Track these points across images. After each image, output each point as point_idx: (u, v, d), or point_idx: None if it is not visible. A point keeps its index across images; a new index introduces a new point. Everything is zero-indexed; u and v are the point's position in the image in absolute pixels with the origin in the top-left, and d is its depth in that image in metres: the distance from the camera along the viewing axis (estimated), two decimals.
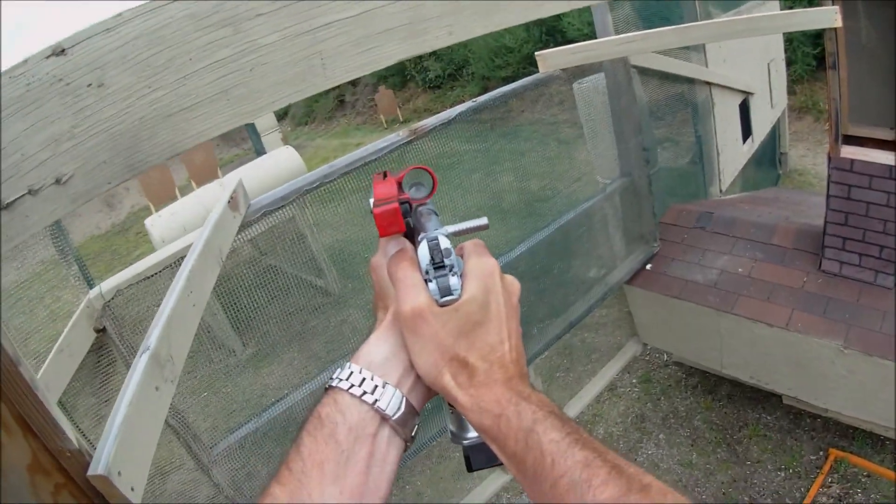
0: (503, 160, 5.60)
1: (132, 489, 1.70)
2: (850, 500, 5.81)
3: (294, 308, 4.60)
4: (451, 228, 0.98)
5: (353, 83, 25.15)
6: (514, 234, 5.21)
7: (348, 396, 0.86)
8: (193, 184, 14.28)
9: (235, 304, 3.98)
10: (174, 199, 12.64)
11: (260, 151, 11.73)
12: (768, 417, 6.78)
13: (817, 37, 12.13)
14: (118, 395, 1.89)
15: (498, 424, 0.81)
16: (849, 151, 4.90)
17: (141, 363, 1.95)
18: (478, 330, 0.88)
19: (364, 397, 0.85)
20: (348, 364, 0.90)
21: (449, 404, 0.92)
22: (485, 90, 5.10)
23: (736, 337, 5.53)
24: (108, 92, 1.48)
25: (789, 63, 11.87)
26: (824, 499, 5.87)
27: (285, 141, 12.21)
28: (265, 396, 4.24)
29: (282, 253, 5.06)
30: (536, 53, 4.61)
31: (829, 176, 5.01)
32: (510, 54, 18.02)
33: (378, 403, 0.86)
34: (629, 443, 7.16)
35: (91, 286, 3.34)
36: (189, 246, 2.72)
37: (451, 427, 0.97)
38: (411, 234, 1.02)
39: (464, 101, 4.46)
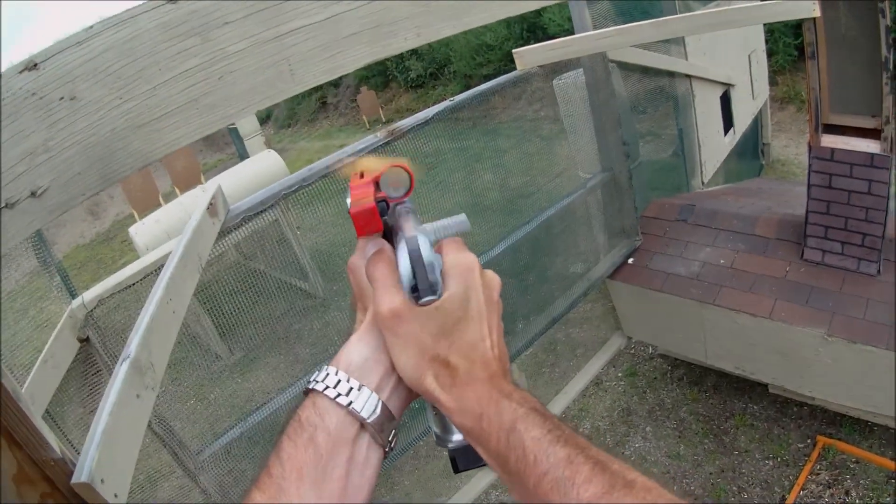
0: (485, 158, 5.61)
1: (115, 496, 1.71)
2: (840, 487, 5.84)
3: (279, 312, 4.60)
4: (430, 227, 0.97)
5: (335, 84, 25.14)
6: (495, 232, 5.21)
7: (326, 399, 0.85)
8: (177, 190, 14.26)
9: (220, 309, 3.97)
10: (158, 206, 12.60)
11: (243, 155, 11.76)
12: (755, 407, 6.81)
13: (798, 27, 12.15)
14: None
15: (480, 424, 0.80)
16: (829, 140, 4.93)
17: (121, 371, 1.96)
18: (458, 328, 0.87)
19: (339, 399, 0.84)
20: (326, 366, 0.88)
21: (432, 406, 0.91)
22: (467, 88, 5.10)
23: (720, 328, 5.55)
24: (81, 104, 1.50)
25: (770, 54, 11.89)
26: (813, 486, 5.90)
27: (268, 144, 12.23)
28: (251, 401, 4.24)
29: (265, 257, 5.06)
30: (514, 51, 4.61)
31: (809, 165, 5.03)
32: (491, 52, 18.05)
33: (353, 405, 0.84)
34: (616, 436, 7.19)
35: (74, 296, 3.34)
36: (169, 254, 2.72)
37: (436, 429, 0.96)
38: (390, 234, 1.01)
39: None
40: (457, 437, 0.91)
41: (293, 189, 3.62)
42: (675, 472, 6.56)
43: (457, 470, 0.94)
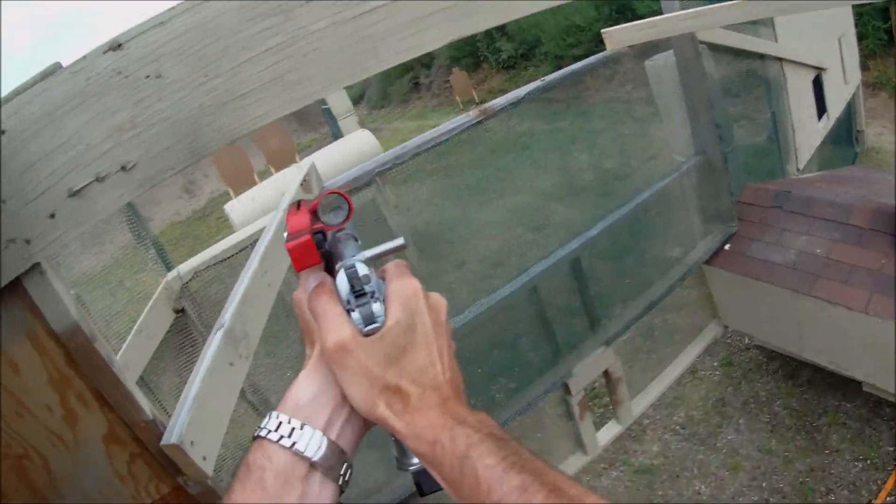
0: (578, 139, 5.58)
1: (204, 458, 1.76)
2: None
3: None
4: (369, 253, 0.95)
5: (427, 65, 25.19)
6: (591, 213, 5.17)
7: (270, 443, 0.85)
8: (271, 169, 14.45)
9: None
10: (253, 184, 12.77)
11: (337, 135, 11.83)
12: (848, 405, 6.66)
13: (885, 10, 11.75)
14: None
15: (434, 450, 0.79)
16: None
17: (215, 339, 2.02)
18: (406, 354, 0.87)
19: (282, 441, 0.84)
20: (272, 412, 0.88)
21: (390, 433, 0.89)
22: (558, 69, 5.08)
23: (815, 320, 5.40)
24: (166, 82, 1.55)
25: (860, 37, 11.24)
26: None
27: (362, 124, 12.29)
28: None
29: (360, 235, 5.11)
30: (602, 31, 4.60)
31: None
32: (581, 33, 17.89)
33: (296, 446, 0.84)
34: (709, 427, 7.11)
35: (169, 269, 3.43)
36: (264, 228, 2.78)
37: (395, 454, 0.95)
38: (332, 263, 0.98)
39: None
40: (416, 460, 0.91)
41: (387, 166, 3.65)
42: (766, 467, 6.46)
43: (422, 494, 0.93)
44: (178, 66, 1.54)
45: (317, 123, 22.28)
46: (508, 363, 5.16)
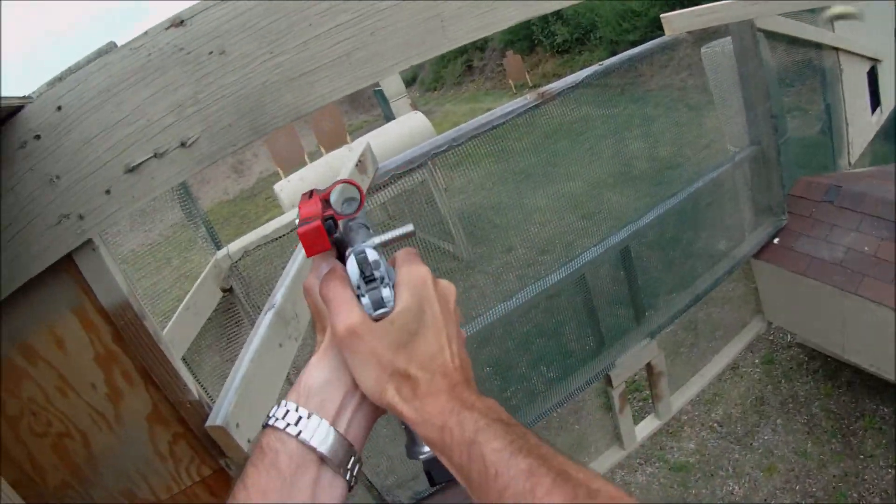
0: (633, 126, 5.53)
1: (249, 441, 1.75)
2: None
3: None
4: (378, 239, 0.95)
5: (481, 48, 25.16)
6: (643, 202, 5.15)
7: (280, 430, 0.85)
8: (322, 150, 14.49)
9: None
10: (303, 164, 12.82)
11: (389, 117, 11.84)
12: (885, 409, 6.54)
13: None
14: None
15: (442, 436, 0.80)
16: None
17: (266, 319, 2.02)
18: (416, 340, 0.87)
19: (288, 430, 0.85)
20: (283, 400, 0.89)
21: (400, 420, 0.89)
22: (613, 54, 5.06)
23: (859, 320, 5.28)
24: (230, 59, 1.54)
25: None
26: None
27: (414, 107, 12.29)
28: None
29: (411, 217, 5.09)
30: (662, 16, 4.55)
31: None
32: (637, 18, 17.71)
33: (302, 435, 0.85)
34: (746, 426, 7.04)
35: (218, 248, 3.44)
36: None
37: (406, 443, 0.96)
38: (342, 252, 1.00)
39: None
40: (427, 449, 0.91)
41: (443, 149, 3.63)
42: (800, 470, 6.39)
43: (433, 483, 0.94)
44: (242, 43, 1.53)
45: (369, 105, 22.40)
46: (552, 352, 5.14)
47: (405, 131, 9.73)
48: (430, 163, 3.68)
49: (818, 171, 6.56)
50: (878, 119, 7.75)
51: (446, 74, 26.68)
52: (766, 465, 6.61)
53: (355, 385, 0.89)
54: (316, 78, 1.63)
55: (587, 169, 4.93)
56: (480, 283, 5.14)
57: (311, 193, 1.03)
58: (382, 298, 0.88)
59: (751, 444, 6.84)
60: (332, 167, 9.21)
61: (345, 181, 0.99)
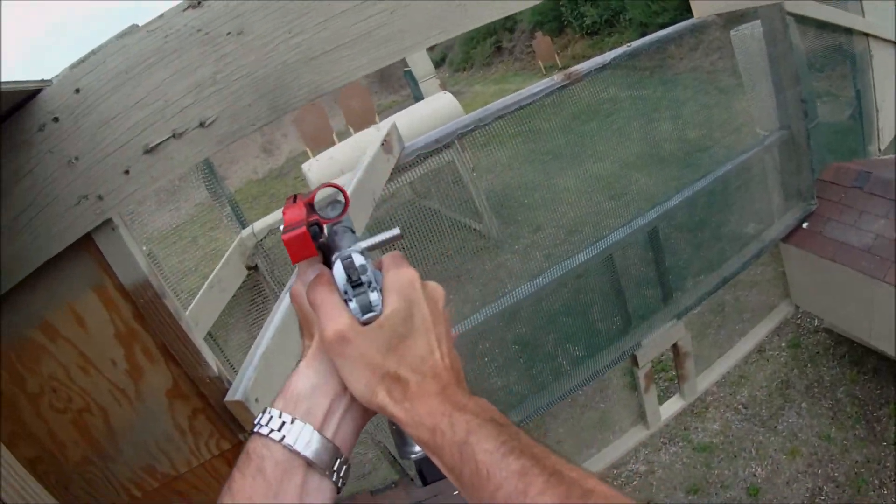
0: (662, 108, 5.52)
1: None
2: None
3: (451, 251, 4.65)
4: (365, 243, 0.94)
5: (510, 30, 25.06)
6: (671, 184, 5.14)
7: (264, 437, 0.85)
8: (351, 129, 14.47)
9: (391, 246, 4.07)
10: (332, 144, 12.82)
11: (418, 97, 11.82)
12: None
13: None
14: None
15: (433, 438, 0.80)
16: None
17: (286, 298, 2.02)
18: (405, 342, 0.87)
19: (272, 435, 0.85)
20: (267, 407, 0.88)
21: (389, 422, 0.90)
22: (642, 36, 5.05)
23: (887, 307, 5.24)
24: (248, 39, 1.55)
25: None
26: None
27: (443, 87, 12.26)
28: None
29: (439, 196, 5.09)
30: None
31: None
32: (667, 0, 17.57)
33: (286, 440, 0.84)
34: (771, 409, 7.02)
35: (244, 226, 3.46)
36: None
37: (396, 442, 0.97)
38: (328, 257, 0.98)
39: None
40: (418, 448, 0.91)
41: (469, 129, 3.63)
42: (823, 455, 6.37)
43: (425, 482, 0.94)
44: (261, 23, 1.54)
45: (398, 85, 22.37)
46: (578, 331, 5.15)
47: (434, 111, 9.71)
48: (457, 142, 3.69)
49: (848, 157, 6.52)
50: None
51: (475, 55, 26.60)
52: (789, 448, 6.60)
53: (344, 389, 0.89)
54: (336, 57, 1.63)
55: (615, 150, 4.94)
56: (509, 262, 5.15)
57: (294, 198, 1.01)
58: (370, 303, 0.88)
59: (775, 426, 6.83)
60: (359, 147, 9.19)
61: (329, 185, 1.01)
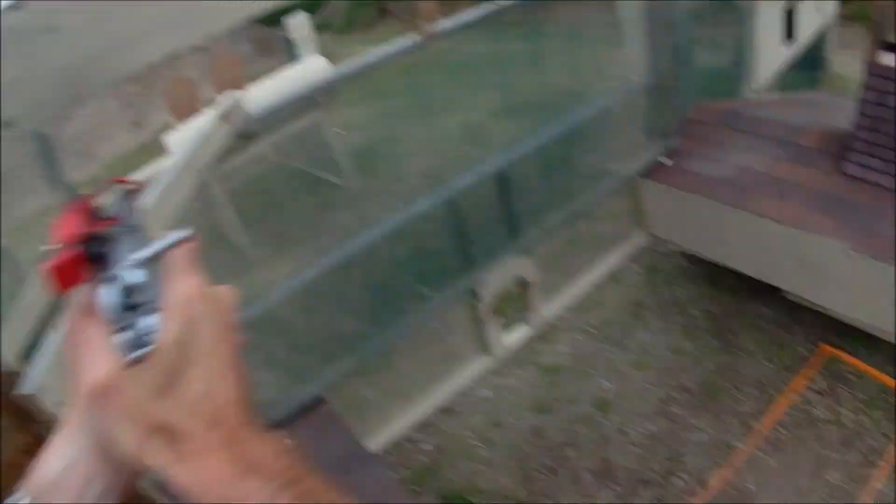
0: (537, 59, 5.67)
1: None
2: (833, 397, 5.98)
3: (311, 206, 4.73)
4: (141, 254, 0.77)
5: None
6: (529, 131, 5.45)
7: None
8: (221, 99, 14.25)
9: (250, 203, 4.02)
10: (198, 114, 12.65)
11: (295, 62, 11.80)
12: (766, 310, 6.97)
13: None
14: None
15: None
16: (889, 59, 4.92)
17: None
18: (180, 380, 0.71)
19: None
20: (17, 492, 0.75)
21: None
22: None
23: (745, 232, 5.64)
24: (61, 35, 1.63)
25: None
26: (809, 392, 6.03)
27: (321, 51, 12.24)
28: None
29: (302, 155, 5.19)
30: None
31: (863, 81, 5.03)
32: None
33: None
34: (623, 328, 7.49)
35: None
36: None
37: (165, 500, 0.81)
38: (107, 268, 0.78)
39: None
40: None
41: (330, 88, 3.65)
42: (674, 366, 6.81)
43: None
44: (73, 17, 1.59)
45: (277, 50, 21.97)
46: (422, 271, 5.37)
47: (301, 76, 9.73)
48: (321, 103, 3.74)
49: (723, 97, 6.82)
50: (790, 50, 8.03)
51: (359, 18, 26.35)
52: (639, 362, 7.07)
53: (99, 467, 0.74)
54: (144, 41, 1.65)
55: (482, 101, 5.08)
56: (367, 211, 5.26)
57: (73, 205, 0.80)
58: (141, 333, 0.73)
59: (627, 344, 7.30)
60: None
61: (116, 180, 0.84)
